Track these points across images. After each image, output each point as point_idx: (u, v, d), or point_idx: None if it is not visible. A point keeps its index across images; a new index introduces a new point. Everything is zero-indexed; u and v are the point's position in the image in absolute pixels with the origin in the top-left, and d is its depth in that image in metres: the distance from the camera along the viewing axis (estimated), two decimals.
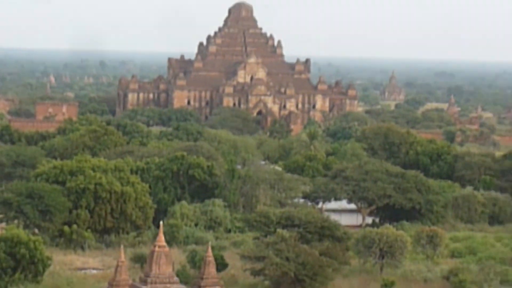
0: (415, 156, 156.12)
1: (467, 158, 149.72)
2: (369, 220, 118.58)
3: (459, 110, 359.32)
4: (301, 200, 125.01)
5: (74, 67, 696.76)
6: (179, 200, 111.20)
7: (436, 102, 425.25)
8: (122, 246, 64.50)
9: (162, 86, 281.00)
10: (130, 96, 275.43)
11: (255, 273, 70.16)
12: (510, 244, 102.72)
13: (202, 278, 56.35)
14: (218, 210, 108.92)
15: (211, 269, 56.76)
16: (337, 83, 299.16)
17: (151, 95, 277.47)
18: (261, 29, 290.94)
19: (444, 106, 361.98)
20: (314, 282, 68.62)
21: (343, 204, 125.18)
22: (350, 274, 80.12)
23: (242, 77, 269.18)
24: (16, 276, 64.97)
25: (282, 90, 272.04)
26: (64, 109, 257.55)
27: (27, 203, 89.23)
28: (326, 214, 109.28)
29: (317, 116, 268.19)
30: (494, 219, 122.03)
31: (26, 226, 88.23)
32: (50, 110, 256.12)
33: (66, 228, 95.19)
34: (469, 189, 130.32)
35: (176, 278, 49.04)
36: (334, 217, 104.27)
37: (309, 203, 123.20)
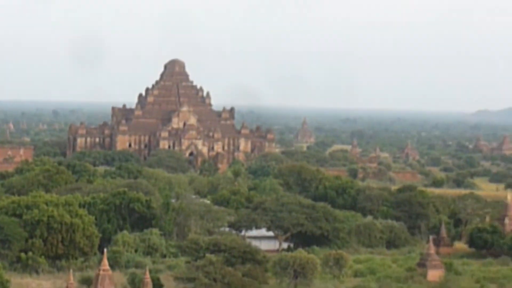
0: (323, 190, 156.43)
1: (367, 191, 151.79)
2: (285, 245, 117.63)
3: (360, 150, 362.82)
4: (227, 229, 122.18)
5: (30, 115, 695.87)
6: (121, 230, 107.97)
7: (341, 144, 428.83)
8: (71, 270, 67.40)
9: (106, 131, 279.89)
10: (79, 140, 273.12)
11: None
12: (404, 265, 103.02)
13: None
14: (155, 238, 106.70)
15: None
16: (257, 128, 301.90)
17: (97, 139, 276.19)
18: (192, 82, 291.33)
19: (348, 147, 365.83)
20: None
21: (263, 232, 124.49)
22: None
23: (176, 123, 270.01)
24: None
25: (211, 134, 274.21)
26: (21, 152, 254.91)
27: None
28: (248, 240, 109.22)
29: (240, 156, 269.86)
30: (391, 244, 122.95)
31: None
32: (9, 153, 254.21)
33: (22, 255, 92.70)
34: (369, 218, 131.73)
35: None
36: (255, 243, 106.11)
37: (234, 231, 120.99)
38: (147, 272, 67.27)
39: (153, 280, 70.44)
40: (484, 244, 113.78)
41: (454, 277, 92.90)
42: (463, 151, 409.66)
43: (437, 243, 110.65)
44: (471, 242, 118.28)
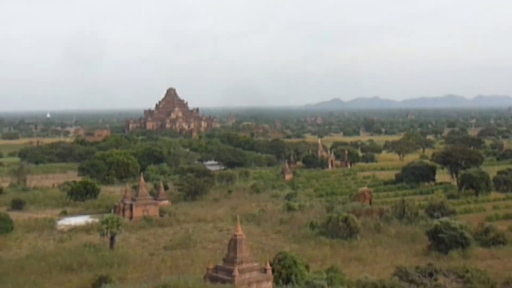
0: (237, 142, 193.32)
1: (257, 141, 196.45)
2: (223, 167, 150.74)
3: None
4: (196, 162, 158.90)
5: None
6: (149, 164, 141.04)
7: None
8: (127, 183, 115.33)
9: (142, 121, 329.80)
10: (130, 125, 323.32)
11: None
12: (275, 172, 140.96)
13: None
14: (165, 167, 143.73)
15: None
16: (209, 116, 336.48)
17: (138, 125, 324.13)
18: (179, 98, 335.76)
19: None
20: None
21: (213, 162, 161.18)
22: None
23: (173, 116, 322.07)
24: None
25: (189, 120, 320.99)
26: (105, 132, 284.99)
27: None
28: (206, 166, 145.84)
29: (202, 129, 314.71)
30: (269, 164, 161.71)
31: None
32: (100, 132, 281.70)
33: (106, 176, 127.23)
34: (259, 154, 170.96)
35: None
36: (209, 167, 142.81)
37: (199, 163, 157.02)
38: (161, 184, 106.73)
39: (165, 186, 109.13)
40: (309, 162, 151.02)
41: (296, 177, 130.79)
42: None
43: (289, 163, 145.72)
44: (303, 162, 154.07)
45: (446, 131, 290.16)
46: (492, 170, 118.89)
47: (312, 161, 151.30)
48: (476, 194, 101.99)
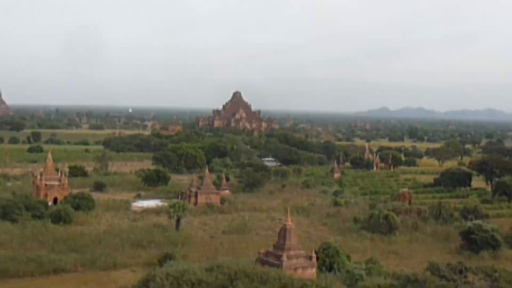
0: (293, 142, 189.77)
1: (310, 142, 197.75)
2: (278, 163, 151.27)
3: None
4: (255, 157, 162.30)
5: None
6: (213, 157, 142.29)
7: None
8: (194, 174, 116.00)
9: (210, 119, 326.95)
10: (200, 123, 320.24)
11: None
12: (325, 171, 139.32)
13: None
14: (228, 160, 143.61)
15: None
16: (269, 118, 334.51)
17: (206, 122, 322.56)
18: (244, 100, 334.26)
19: None
20: None
21: (270, 158, 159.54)
22: None
23: (238, 116, 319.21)
24: None
25: (251, 120, 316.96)
26: (177, 127, 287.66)
27: None
28: (264, 162, 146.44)
29: (263, 129, 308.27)
30: (321, 163, 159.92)
31: None
32: (173, 127, 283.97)
33: (176, 167, 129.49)
34: (311, 153, 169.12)
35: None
36: (266, 163, 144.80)
37: (259, 159, 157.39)
38: (223, 176, 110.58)
39: (227, 178, 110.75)
40: (356, 163, 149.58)
41: (344, 176, 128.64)
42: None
43: (338, 163, 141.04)
44: (351, 163, 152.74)
45: (484, 141, 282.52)
46: None
47: (359, 163, 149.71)
48: (509, 201, 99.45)
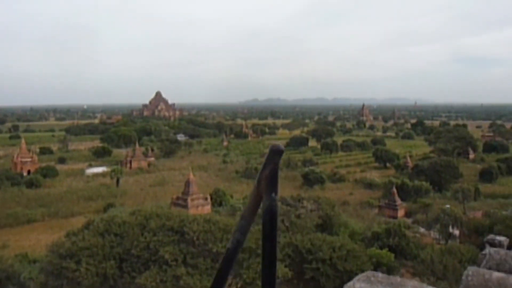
0: None
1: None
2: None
3: None
4: None
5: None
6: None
7: None
8: None
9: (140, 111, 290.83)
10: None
11: None
12: None
13: None
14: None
15: None
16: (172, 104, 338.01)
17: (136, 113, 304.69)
18: (163, 97, 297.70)
19: None
20: None
21: None
22: None
23: (160, 107, 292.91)
24: None
25: (169, 111, 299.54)
26: None
27: None
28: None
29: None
30: None
31: None
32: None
33: None
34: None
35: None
36: None
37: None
38: (150, 148, 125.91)
39: (152, 149, 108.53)
40: (238, 135, 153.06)
41: (230, 144, 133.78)
42: None
43: (226, 135, 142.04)
44: (234, 135, 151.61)
45: (316, 117, 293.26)
46: (339, 139, 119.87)
47: (240, 135, 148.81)
48: (331, 153, 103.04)
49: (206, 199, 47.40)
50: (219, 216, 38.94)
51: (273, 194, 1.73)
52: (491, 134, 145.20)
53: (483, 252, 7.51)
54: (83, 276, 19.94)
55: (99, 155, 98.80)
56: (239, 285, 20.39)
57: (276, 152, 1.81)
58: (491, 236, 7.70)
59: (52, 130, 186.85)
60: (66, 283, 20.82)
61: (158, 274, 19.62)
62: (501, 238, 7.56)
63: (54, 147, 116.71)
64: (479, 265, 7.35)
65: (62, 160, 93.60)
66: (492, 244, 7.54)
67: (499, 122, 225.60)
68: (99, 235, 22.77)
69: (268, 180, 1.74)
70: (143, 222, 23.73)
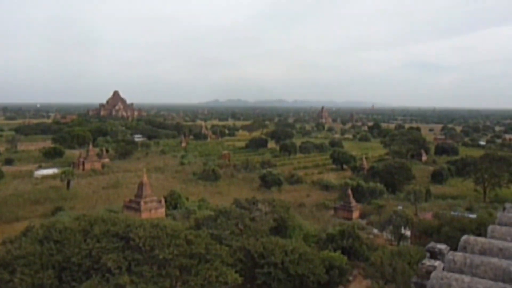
0: None
1: None
2: None
3: None
4: None
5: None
6: None
7: None
8: None
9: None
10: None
11: None
12: None
13: None
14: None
15: None
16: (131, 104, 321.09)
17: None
18: (120, 95, 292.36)
19: None
20: None
21: None
22: None
23: (118, 107, 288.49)
24: None
25: (127, 110, 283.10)
26: None
27: None
28: None
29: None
30: None
31: None
32: None
33: None
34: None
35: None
36: None
37: None
38: (104, 149, 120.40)
39: (107, 150, 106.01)
40: (197, 136, 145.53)
41: (188, 145, 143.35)
42: None
43: (185, 136, 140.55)
44: (194, 136, 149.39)
45: (276, 119, 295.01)
46: (298, 141, 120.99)
47: (199, 136, 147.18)
48: (289, 155, 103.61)
49: (160, 202, 46.08)
50: (171, 220, 37.93)
51: None
52: (443, 137, 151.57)
53: (423, 262, 7.21)
54: (18, 287, 18.40)
55: (50, 156, 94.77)
56: None
57: None
58: (432, 245, 7.50)
59: (1, 130, 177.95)
60: None
61: (100, 283, 18.50)
62: (442, 246, 7.38)
63: (1, 148, 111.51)
64: (418, 277, 7.04)
65: (9, 161, 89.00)
66: (433, 253, 7.37)
67: (450, 125, 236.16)
68: (37, 242, 21.28)
69: None
70: (86, 228, 22.48)
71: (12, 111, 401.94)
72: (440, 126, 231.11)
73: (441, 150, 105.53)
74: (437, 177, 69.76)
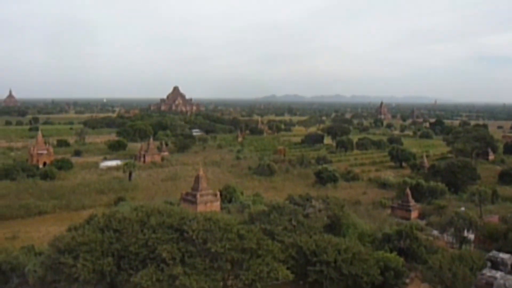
0: None
1: None
2: None
3: None
4: None
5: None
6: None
7: None
8: None
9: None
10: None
11: None
12: None
13: None
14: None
15: None
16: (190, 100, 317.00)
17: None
18: (181, 92, 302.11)
19: None
20: None
21: None
22: None
23: (178, 101, 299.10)
24: None
25: (187, 106, 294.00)
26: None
27: None
28: None
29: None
30: None
31: None
32: None
33: None
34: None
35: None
36: None
37: None
38: (164, 142, 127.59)
39: (166, 143, 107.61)
40: (253, 131, 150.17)
41: (244, 140, 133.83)
42: None
43: (241, 131, 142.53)
44: (250, 131, 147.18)
45: (333, 115, 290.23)
46: (355, 137, 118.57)
47: (255, 131, 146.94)
48: (345, 151, 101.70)
49: (215, 195, 46.88)
50: (226, 213, 38.39)
51: None
52: None
53: (483, 271, 6.57)
54: (80, 272, 19.53)
55: (115, 148, 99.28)
56: (238, 287, 19.69)
57: None
58: (493, 253, 6.80)
59: (71, 123, 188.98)
60: (64, 279, 20.33)
61: (154, 273, 19.12)
62: (505, 256, 6.64)
63: (71, 140, 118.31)
64: (477, 286, 6.41)
65: (78, 153, 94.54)
66: (494, 263, 6.67)
67: None
68: (99, 230, 22.35)
69: None
70: (143, 219, 23.26)
71: (81, 106, 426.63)
72: (510, 123, 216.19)
73: (510, 148, 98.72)
74: (506, 178, 65.46)
